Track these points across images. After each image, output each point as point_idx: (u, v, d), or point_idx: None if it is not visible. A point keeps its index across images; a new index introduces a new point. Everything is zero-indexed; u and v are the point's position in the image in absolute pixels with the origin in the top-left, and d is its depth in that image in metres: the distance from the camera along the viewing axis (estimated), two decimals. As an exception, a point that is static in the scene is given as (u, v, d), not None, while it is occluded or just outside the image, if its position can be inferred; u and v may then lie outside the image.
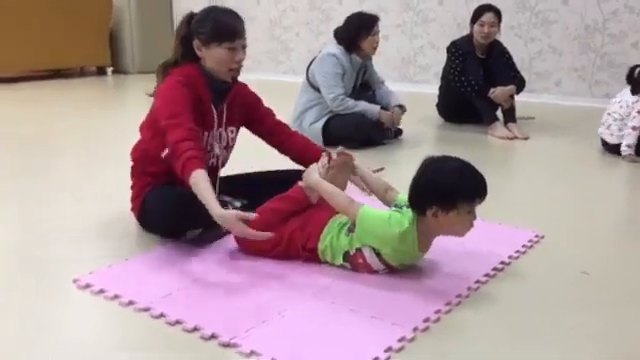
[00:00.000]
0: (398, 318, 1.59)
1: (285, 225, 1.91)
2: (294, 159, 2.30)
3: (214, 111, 2.12)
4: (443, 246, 2.03)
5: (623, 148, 3.31)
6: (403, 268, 1.85)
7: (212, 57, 2.05)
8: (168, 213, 2.01)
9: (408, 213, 1.78)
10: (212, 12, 2.08)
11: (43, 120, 4.54)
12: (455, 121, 4.36)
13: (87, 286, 1.77)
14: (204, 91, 2.07)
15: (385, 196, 2.00)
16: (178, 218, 2.00)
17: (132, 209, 2.20)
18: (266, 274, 1.86)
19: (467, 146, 3.78)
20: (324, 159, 2.00)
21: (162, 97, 2.02)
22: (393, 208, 1.87)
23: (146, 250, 2.05)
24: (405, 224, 1.74)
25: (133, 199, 2.19)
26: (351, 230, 1.85)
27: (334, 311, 1.64)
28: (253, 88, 2.32)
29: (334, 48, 3.57)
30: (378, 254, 1.80)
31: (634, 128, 3.28)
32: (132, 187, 2.20)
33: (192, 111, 1.99)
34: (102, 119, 4.67)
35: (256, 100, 2.30)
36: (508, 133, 3.95)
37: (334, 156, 2.01)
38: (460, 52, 4.13)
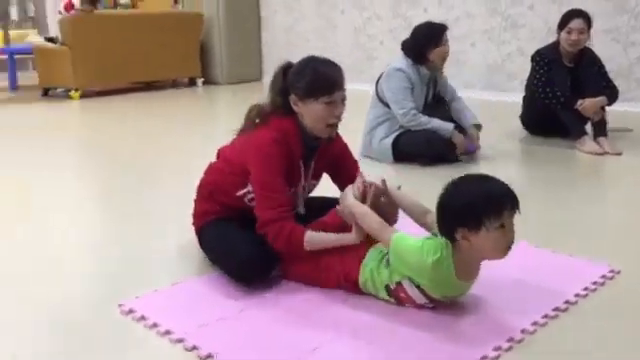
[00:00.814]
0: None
1: (323, 253, 1.86)
2: None
3: (302, 168, 2.04)
4: (501, 279, 1.89)
5: None
6: (448, 300, 1.73)
7: (309, 112, 1.94)
8: (247, 272, 1.90)
9: (443, 239, 1.66)
10: (309, 63, 1.97)
11: (137, 132, 4.73)
12: (540, 134, 4.10)
13: (130, 312, 1.79)
14: (297, 148, 1.99)
15: (426, 221, 1.87)
16: (255, 275, 1.91)
17: (193, 224, 2.18)
18: (307, 308, 1.79)
19: (551, 162, 3.54)
20: (359, 181, 1.92)
21: (257, 157, 1.94)
22: (432, 233, 1.76)
23: (195, 274, 2.05)
24: (438, 252, 1.63)
25: (195, 216, 2.17)
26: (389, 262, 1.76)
27: (370, 354, 1.55)
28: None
29: (400, 62, 3.45)
30: (418, 286, 1.70)
31: None
32: (195, 202, 2.17)
33: (284, 173, 1.94)
34: (191, 131, 4.80)
35: (344, 150, 2.18)
36: (597, 148, 3.66)
37: (367, 183, 1.90)
38: (545, 61, 3.88)
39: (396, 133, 3.47)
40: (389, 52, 6.51)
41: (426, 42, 3.40)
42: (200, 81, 7.61)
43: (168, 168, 3.60)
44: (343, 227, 1.88)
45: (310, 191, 2.17)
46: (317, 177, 2.15)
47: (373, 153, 3.55)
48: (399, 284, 1.73)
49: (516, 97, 4.50)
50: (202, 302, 1.85)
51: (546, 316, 1.71)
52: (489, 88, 5.93)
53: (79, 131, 5.14)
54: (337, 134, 2.13)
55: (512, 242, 1.60)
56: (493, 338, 1.59)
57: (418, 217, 1.89)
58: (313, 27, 7.39)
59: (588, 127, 3.82)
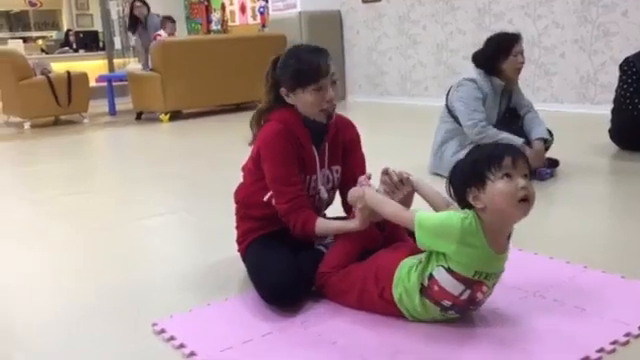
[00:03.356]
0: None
1: (357, 269, 1.83)
2: (347, 214, 2.09)
3: (315, 153, 2.03)
4: (555, 307, 1.73)
5: None
6: (483, 280, 1.61)
7: (300, 102, 1.96)
8: (276, 293, 1.86)
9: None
10: (292, 54, 1.97)
11: (211, 152, 4.84)
12: (631, 149, 3.77)
13: (162, 332, 1.77)
14: (303, 134, 2.00)
15: (444, 211, 1.77)
16: (285, 298, 1.86)
17: (238, 250, 2.18)
18: (340, 332, 1.70)
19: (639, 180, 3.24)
20: (363, 178, 1.89)
21: (265, 151, 1.98)
22: None
23: (235, 294, 2.01)
24: (465, 215, 1.60)
25: (239, 241, 2.17)
26: (420, 263, 1.69)
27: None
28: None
29: (473, 72, 3.30)
30: (449, 269, 1.60)
31: None
32: (237, 228, 2.19)
33: (295, 163, 1.97)
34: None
35: (355, 143, 2.15)
36: (694, 163, 3.31)
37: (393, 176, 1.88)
38: (634, 70, 3.58)
39: (468, 148, 3.29)
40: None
41: (497, 52, 3.24)
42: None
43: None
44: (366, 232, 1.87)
45: (335, 184, 2.11)
46: (336, 162, 2.10)
47: (443, 170, 3.37)
48: (431, 278, 1.64)
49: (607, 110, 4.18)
50: (233, 324, 1.80)
51: (601, 350, 1.52)
52: (583, 101, 5.57)
53: (164, 150, 5.32)
54: (349, 120, 2.13)
55: (529, 197, 1.53)
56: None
57: (440, 207, 1.81)
58: (395, 45, 7.30)
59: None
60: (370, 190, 1.83)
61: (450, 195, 1.69)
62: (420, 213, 1.67)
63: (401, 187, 1.88)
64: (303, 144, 2.00)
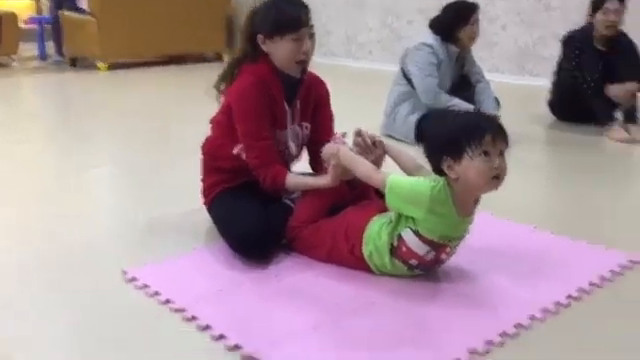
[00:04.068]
0: (438, 349, 1.43)
1: (327, 225, 1.87)
2: (314, 171, 2.16)
3: (287, 108, 2.05)
4: (514, 265, 1.84)
5: None
6: (447, 243, 1.70)
7: (277, 51, 1.97)
8: (246, 244, 1.88)
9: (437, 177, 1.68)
10: (273, 2, 1.98)
11: (153, 106, 4.73)
12: (569, 120, 3.97)
13: (133, 279, 1.77)
14: (277, 89, 2.01)
15: (415, 174, 1.84)
16: (255, 248, 1.89)
17: (204, 203, 2.18)
18: (311, 284, 1.76)
19: (577, 148, 3.43)
20: (338, 136, 1.92)
21: (238, 105, 1.98)
22: None
23: (204, 245, 2.03)
24: (435, 181, 1.65)
25: (205, 193, 2.16)
26: (390, 223, 1.75)
27: (370, 332, 1.51)
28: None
29: (429, 37, 3.37)
30: (417, 232, 1.67)
31: None
32: (203, 180, 2.18)
33: (267, 118, 1.98)
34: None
35: (325, 100, 2.18)
36: (626, 136, 3.53)
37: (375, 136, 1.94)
38: (577, 44, 3.74)
39: (420, 112, 3.39)
40: (418, 32, 6.39)
41: (455, 20, 3.32)
42: (226, 56, 7.57)
43: (186, 140, 3.57)
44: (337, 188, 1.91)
45: (304, 141, 2.14)
46: (307, 119, 2.12)
47: (396, 132, 3.47)
48: (400, 238, 1.71)
49: (548, 82, 4.36)
50: (204, 274, 1.83)
51: (558, 304, 1.65)
52: (521, 72, 5.78)
53: (107, 102, 5.14)
54: (320, 78, 2.14)
55: (500, 175, 1.59)
56: (496, 325, 1.53)
57: (411, 171, 1.87)
58: (341, 3, 7.27)
59: (618, 114, 3.70)
60: (345, 148, 1.87)
61: (425, 155, 1.73)
62: (392, 177, 1.72)
63: (373, 149, 1.93)
64: (276, 99, 2.01)
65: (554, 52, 5.39)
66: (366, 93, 5.21)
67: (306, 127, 2.14)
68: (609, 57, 3.75)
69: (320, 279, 1.78)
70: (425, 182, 1.67)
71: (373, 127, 3.52)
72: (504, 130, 1.62)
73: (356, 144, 1.95)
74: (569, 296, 1.68)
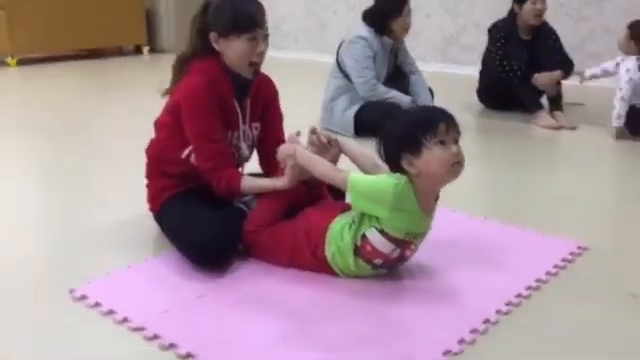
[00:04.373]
0: (413, 351, 1.42)
1: (286, 227, 1.82)
2: (265, 172, 2.11)
3: (237, 108, 1.97)
4: (469, 258, 1.87)
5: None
6: (412, 240, 1.69)
7: (231, 50, 1.88)
8: (206, 254, 1.78)
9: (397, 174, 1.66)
10: (229, 0, 1.89)
11: (70, 103, 4.48)
12: (497, 108, 4.09)
13: (82, 298, 1.66)
14: (227, 88, 1.92)
15: (373, 173, 1.82)
16: (215, 258, 1.80)
17: (150, 209, 2.07)
18: (274, 290, 1.71)
19: (507, 136, 3.54)
20: (293, 135, 1.87)
21: (188, 104, 1.88)
22: None
23: (151, 255, 1.93)
24: (397, 179, 1.63)
25: (150, 200, 2.05)
26: (353, 224, 1.72)
27: (342, 337, 1.48)
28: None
29: (363, 30, 3.36)
30: (382, 230, 1.66)
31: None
32: (147, 186, 2.07)
33: (219, 118, 1.89)
34: (134, 103, 4.58)
35: (274, 99, 2.11)
36: (553, 122, 3.68)
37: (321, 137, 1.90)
38: (502, 34, 3.85)
39: (358, 104, 3.39)
40: (343, 22, 6.40)
41: (388, 12, 3.33)
42: (146, 49, 7.30)
43: (110, 139, 3.41)
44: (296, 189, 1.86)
45: (254, 142, 2.08)
46: (257, 119, 2.06)
47: (334, 125, 3.44)
48: (364, 238, 1.69)
49: (474, 71, 4.46)
50: (160, 286, 1.74)
51: (519, 295, 1.68)
52: (446, 61, 5.90)
53: (17, 100, 4.83)
54: (269, 77, 2.08)
55: (460, 161, 1.61)
56: (469, 318, 1.54)
57: (369, 170, 1.85)
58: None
59: (544, 101, 3.84)
60: (301, 148, 1.82)
61: (382, 159, 1.71)
62: (353, 175, 1.69)
63: (329, 148, 1.89)
64: (226, 98, 1.93)
65: (476, 41, 5.57)
66: (299, 85, 5.15)
67: (256, 128, 2.07)
68: (533, 46, 3.89)
69: (282, 285, 1.73)
70: (387, 179, 1.65)
71: (313, 121, 3.51)
72: (455, 119, 1.65)
73: (311, 143, 1.90)
74: (529, 287, 1.72)
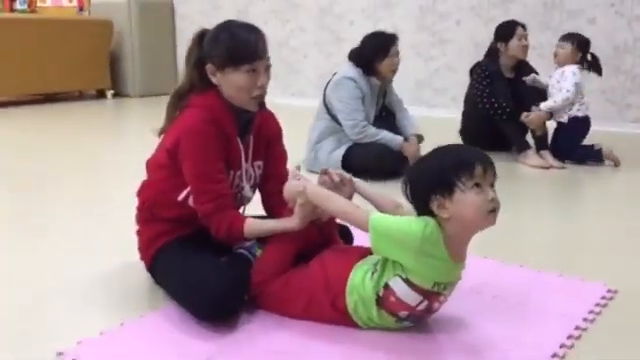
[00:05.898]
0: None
1: (300, 276, 1.64)
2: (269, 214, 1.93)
3: (240, 146, 1.80)
4: (498, 306, 1.72)
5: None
6: (441, 291, 1.52)
7: (229, 83, 1.72)
8: (218, 309, 1.59)
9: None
10: (226, 28, 1.73)
11: (34, 148, 4.22)
12: (482, 148, 3.97)
13: (73, 363, 1.43)
14: (229, 124, 1.75)
15: (395, 214, 1.64)
16: (230, 310, 1.61)
17: (142, 258, 1.86)
18: (292, 345, 1.52)
19: (499, 177, 3.44)
20: (294, 170, 1.72)
21: (187, 142, 1.70)
22: None
23: (149, 309, 1.71)
24: (425, 222, 1.47)
25: (142, 248, 1.85)
26: (375, 272, 1.55)
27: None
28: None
29: (351, 71, 3.25)
30: (406, 279, 1.49)
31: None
32: (139, 234, 1.87)
33: (221, 157, 1.72)
34: (100, 148, 4.34)
35: (278, 136, 1.95)
36: (543, 162, 3.62)
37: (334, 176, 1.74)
38: (487, 73, 3.82)
39: (346, 146, 3.26)
40: (314, 65, 6.36)
41: (374, 53, 3.23)
42: (110, 93, 7.09)
43: (80, 184, 3.18)
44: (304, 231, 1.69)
45: (257, 181, 1.91)
46: (260, 157, 1.89)
47: (318, 167, 3.28)
48: (387, 287, 1.52)
49: (446, 113, 4.41)
50: (161, 347, 1.52)
51: (563, 345, 1.53)
52: (418, 103, 5.87)
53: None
54: (271, 112, 1.91)
55: (496, 207, 1.46)
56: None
57: (389, 210, 1.68)
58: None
59: (529, 140, 3.80)
60: (311, 184, 1.66)
61: (408, 200, 1.55)
62: (376, 215, 1.53)
63: (342, 188, 1.73)
64: (229, 136, 1.76)
65: (448, 84, 5.58)
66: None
67: (258, 166, 1.90)
68: (515, 84, 3.87)
69: (299, 338, 1.55)
70: (415, 220, 1.49)
71: (297, 161, 3.37)
72: (492, 161, 1.50)
73: (322, 183, 1.74)
74: (570, 336, 1.57)
